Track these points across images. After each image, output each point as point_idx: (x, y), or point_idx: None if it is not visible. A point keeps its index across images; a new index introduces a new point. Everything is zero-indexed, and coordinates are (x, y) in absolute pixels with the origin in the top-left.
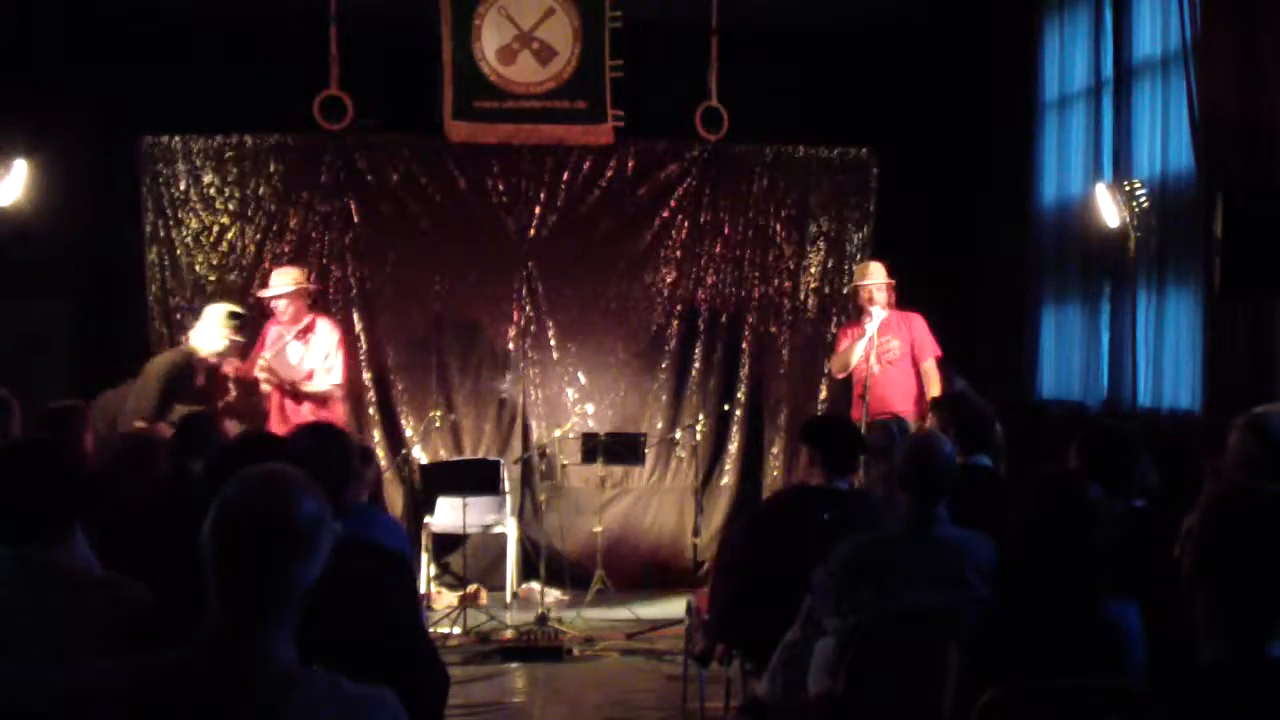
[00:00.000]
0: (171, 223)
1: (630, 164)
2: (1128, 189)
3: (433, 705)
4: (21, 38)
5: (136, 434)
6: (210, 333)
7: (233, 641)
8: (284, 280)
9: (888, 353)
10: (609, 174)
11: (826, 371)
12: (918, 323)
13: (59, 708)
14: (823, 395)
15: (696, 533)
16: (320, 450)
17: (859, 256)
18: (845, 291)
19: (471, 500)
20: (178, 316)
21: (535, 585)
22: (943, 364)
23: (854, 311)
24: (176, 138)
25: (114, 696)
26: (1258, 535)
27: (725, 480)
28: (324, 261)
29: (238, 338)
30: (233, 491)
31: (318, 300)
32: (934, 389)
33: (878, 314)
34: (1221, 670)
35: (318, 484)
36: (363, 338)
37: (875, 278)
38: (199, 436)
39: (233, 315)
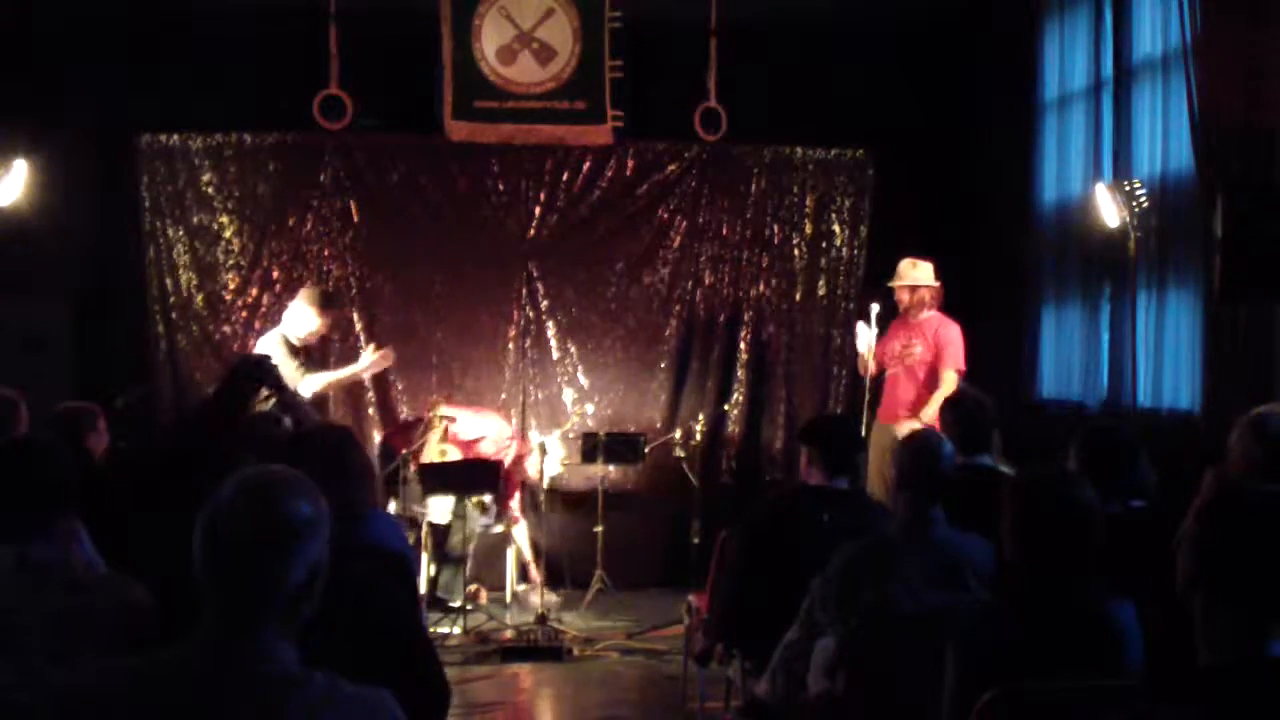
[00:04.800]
0: (170, 222)
1: (629, 164)
2: (1128, 189)
3: (436, 710)
4: (21, 38)
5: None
6: (301, 317)
7: (229, 642)
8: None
9: (909, 356)
10: (608, 174)
11: (837, 375)
12: (949, 330)
13: (56, 708)
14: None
15: (696, 533)
16: (339, 450)
17: (856, 257)
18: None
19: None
20: (175, 316)
21: (524, 587)
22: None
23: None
24: (175, 136)
25: (111, 696)
26: (1256, 535)
27: (724, 480)
28: (324, 262)
29: (325, 319)
30: (225, 494)
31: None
32: (937, 398)
33: (872, 313)
34: (1221, 670)
35: (317, 485)
36: (363, 338)
37: (897, 279)
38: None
39: (324, 295)
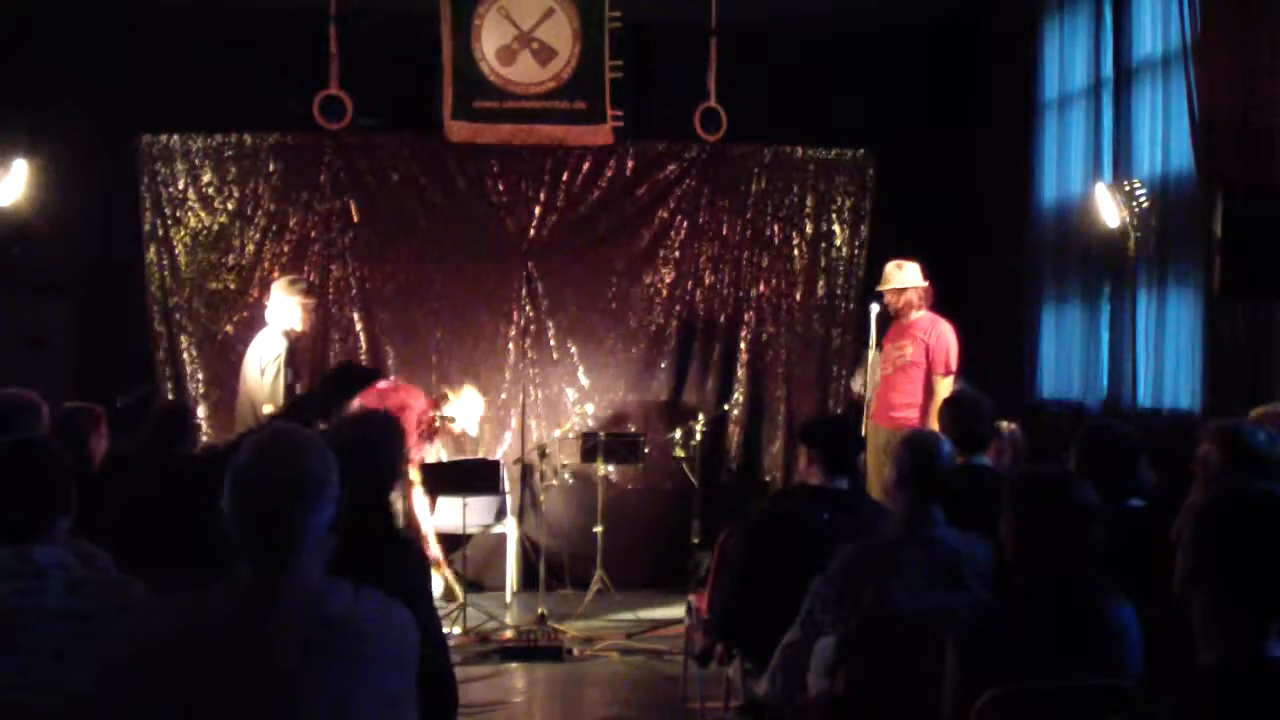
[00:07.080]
0: (170, 222)
1: (629, 164)
2: (1128, 189)
3: (445, 712)
4: (20, 38)
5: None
6: (287, 309)
7: (266, 578)
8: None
9: (900, 358)
10: (608, 174)
11: (837, 375)
12: (939, 331)
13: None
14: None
15: (696, 533)
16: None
17: (857, 257)
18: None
19: (471, 500)
20: (176, 316)
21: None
22: (957, 378)
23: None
24: (175, 137)
25: (145, 632)
26: (1253, 536)
27: (724, 480)
28: (324, 261)
29: (309, 300)
30: (243, 455)
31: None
32: (936, 403)
33: (871, 314)
34: (1221, 670)
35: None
36: (363, 338)
37: (883, 283)
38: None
39: (293, 282)
